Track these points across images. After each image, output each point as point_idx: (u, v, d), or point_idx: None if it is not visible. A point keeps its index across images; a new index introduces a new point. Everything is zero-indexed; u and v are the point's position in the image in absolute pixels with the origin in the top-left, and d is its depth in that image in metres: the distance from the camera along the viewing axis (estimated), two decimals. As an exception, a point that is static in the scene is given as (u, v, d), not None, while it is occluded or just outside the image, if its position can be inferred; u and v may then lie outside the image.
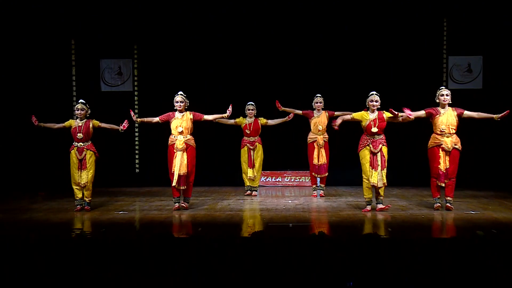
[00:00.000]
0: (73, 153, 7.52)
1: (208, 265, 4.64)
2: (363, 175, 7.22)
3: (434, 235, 5.72)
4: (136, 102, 11.30)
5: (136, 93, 11.31)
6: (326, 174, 9.06)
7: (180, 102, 7.55)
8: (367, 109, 7.27)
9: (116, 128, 7.76)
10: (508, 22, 10.39)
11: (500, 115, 7.10)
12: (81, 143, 7.51)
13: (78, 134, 7.49)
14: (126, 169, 11.32)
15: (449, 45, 10.84)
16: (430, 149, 7.28)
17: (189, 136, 7.52)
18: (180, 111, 7.58)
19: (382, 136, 7.19)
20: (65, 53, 11.17)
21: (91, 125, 7.59)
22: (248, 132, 9.11)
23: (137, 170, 11.41)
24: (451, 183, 7.19)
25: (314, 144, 8.96)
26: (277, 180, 10.97)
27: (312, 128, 9.00)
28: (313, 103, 9.03)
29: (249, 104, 9.16)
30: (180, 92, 7.65)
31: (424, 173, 9.99)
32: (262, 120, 9.18)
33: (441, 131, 7.13)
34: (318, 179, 9.06)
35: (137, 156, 11.37)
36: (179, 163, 7.40)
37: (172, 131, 7.55)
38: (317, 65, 10.97)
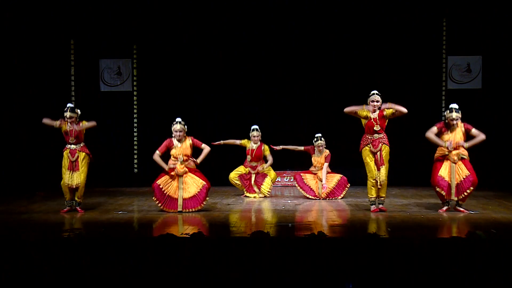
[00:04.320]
0: (66, 154, 7.43)
1: (207, 265, 4.64)
2: (368, 174, 7.19)
3: (434, 235, 5.71)
4: (135, 102, 11.30)
5: (135, 93, 11.31)
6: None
7: (179, 131, 7.35)
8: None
9: (92, 126, 7.53)
10: (508, 22, 10.40)
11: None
12: (73, 146, 7.45)
13: (71, 138, 7.40)
14: (125, 169, 11.31)
15: (448, 45, 10.85)
16: (435, 160, 7.18)
17: (189, 161, 7.43)
18: (179, 140, 7.43)
19: (382, 135, 7.17)
20: (65, 53, 11.17)
21: (82, 127, 7.44)
22: (250, 158, 9.16)
23: (135, 170, 11.40)
24: (467, 196, 7.06)
25: (315, 176, 8.97)
26: (276, 180, 10.96)
27: (312, 162, 9.06)
28: (314, 143, 8.96)
29: (253, 130, 9.16)
30: (179, 120, 7.40)
31: (423, 173, 9.97)
32: (266, 149, 9.22)
33: (448, 146, 7.02)
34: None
35: (135, 156, 11.36)
36: (183, 188, 7.34)
37: (172, 157, 7.42)
38: (317, 66, 10.97)
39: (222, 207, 7.84)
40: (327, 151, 8.98)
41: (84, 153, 7.45)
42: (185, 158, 7.37)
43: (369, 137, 7.17)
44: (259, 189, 9.08)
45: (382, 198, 7.22)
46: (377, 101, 7.17)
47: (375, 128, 7.11)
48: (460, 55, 10.85)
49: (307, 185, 8.94)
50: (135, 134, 11.35)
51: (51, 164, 10.44)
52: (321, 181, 8.76)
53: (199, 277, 4.56)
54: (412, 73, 10.79)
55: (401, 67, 10.84)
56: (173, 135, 7.42)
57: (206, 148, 7.55)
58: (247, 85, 10.89)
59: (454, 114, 7.02)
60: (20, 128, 10.67)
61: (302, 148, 9.20)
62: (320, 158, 8.97)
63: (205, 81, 11.06)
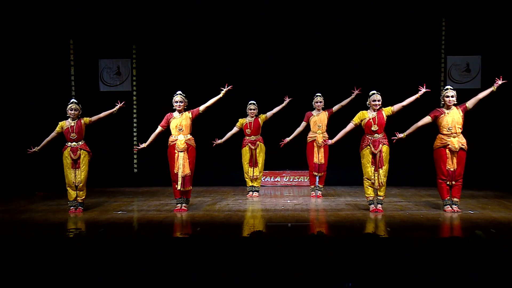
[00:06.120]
0: (66, 153, 7.43)
1: (206, 265, 4.64)
2: (364, 175, 7.21)
3: (433, 235, 5.72)
4: (134, 102, 11.29)
5: (134, 93, 11.30)
6: (324, 174, 9.03)
7: (180, 102, 7.47)
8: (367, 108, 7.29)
9: (109, 113, 7.64)
10: (507, 22, 10.39)
11: (496, 85, 7.20)
12: (74, 143, 7.43)
13: (72, 134, 7.40)
14: (124, 169, 11.30)
15: (447, 44, 10.84)
16: (436, 150, 7.16)
17: (189, 136, 7.47)
18: (179, 111, 7.52)
19: (382, 135, 7.18)
20: (64, 53, 11.16)
21: (83, 123, 7.49)
22: (249, 131, 9.07)
23: (135, 170, 11.40)
24: (458, 184, 7.11)
25: (314, 143, 8.95)
26: (276, 180, 10.97)
27: (311, 127, 9.00)
28: (313, 102, 9.03)
29: (250, 104, 9.12)
30: (179, 92, 7.56)
31: (423, 173, 9.98)
32: (262, 116, 9.14)
33: (448, 129, 7.05)
34: (317, 178, 9.03)
35: (135, 156, 11.36)
36: (182, 165, 7.37)
37: (172, 131, 7.48)
38: (316, 65, 10.96)
39: (222, 207, 7.84)
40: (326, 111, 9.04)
41: (85, 152, 7.46)
42: (184, 128, 7.39)
43: (370, 138, 7.17)
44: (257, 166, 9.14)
45: (381, 198, 7.22)
46: (378, 100, 7.18)
47: (372, 128, 7.12)
48: (460, 55, 10.84)
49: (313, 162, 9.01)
50: (135, 134, 11.34)
51: (51, 164, 10.45)
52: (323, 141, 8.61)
53: (198, 277, 4.56)
54: (411, 72, 10.78)
55: (400, 66, 10.83)
56: (173, 107, 7.51)
57: (202, 105, 7.58)
58: (247, 84, 10.87)
59: (450, 92, 7.14)
60: (20, 128, 10.65)
61: (301, 128, 9.10)
62: (321, 114, 8.95)
63: (205, 81, 11.05)
